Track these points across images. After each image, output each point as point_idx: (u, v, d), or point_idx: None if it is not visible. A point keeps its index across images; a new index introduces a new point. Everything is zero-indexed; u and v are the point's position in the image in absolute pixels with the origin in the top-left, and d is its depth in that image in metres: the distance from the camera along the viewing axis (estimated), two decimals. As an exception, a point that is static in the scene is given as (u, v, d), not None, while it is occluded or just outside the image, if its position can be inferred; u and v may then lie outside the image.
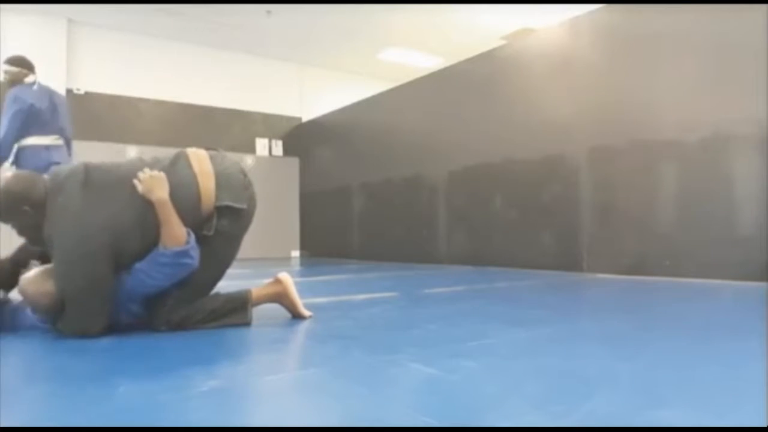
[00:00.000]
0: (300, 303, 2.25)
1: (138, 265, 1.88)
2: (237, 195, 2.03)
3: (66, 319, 1.83)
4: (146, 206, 1.87)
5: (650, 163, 4.08)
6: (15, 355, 1.67)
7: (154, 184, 1.87)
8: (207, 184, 1.98)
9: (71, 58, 7.24)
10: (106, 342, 1.84)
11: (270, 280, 2.26)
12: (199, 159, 2.03)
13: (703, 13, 3.80)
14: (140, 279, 1.88)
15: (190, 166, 2.00)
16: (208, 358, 1.64)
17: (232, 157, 2.18)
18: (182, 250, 1.87)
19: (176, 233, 1.86)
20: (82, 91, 7.32)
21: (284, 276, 2.23)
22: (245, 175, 2.14)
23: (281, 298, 2.23)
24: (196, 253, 1.92)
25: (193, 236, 1.92)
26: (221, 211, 2.00)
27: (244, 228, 2.12)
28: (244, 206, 2.05)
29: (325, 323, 2.18)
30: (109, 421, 1.03)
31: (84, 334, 1.83)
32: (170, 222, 1.86)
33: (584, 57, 4.60)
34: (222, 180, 2.01)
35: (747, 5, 3.56)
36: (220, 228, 2.00)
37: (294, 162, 8.81)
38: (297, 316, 2.24)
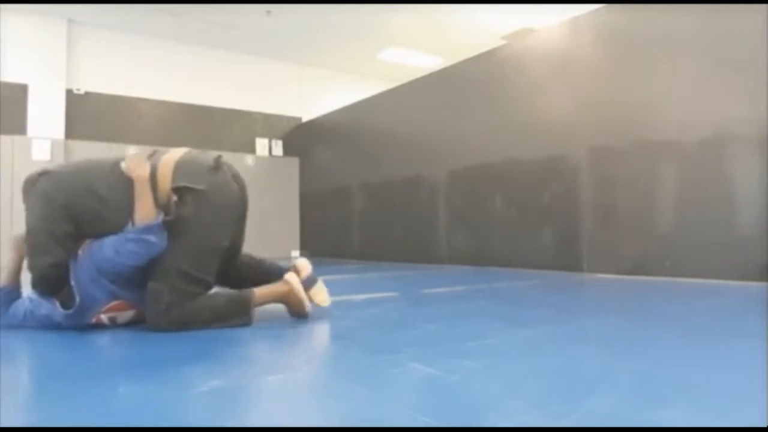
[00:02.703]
0: (306, 301, 2.19)
1: (108, 239, 1.95)
2: (194, 177, 2.03)
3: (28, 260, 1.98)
4: (109, 177, 2.02)
5: (650, 163, 4.08)
6: (14, 355, 1.67)
7: (134, 163, 2.03)
8: (164, 171, 2.03)
9: (71, 58, 7.24)
10: (105, 342, 1.84)
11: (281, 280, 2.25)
12: (172, 152, 2.11)
13: (703, 13, 3.80)
14: (108, 254, 1.94)
15: (160, 158, 2.09)
16: (208, 358, 1.64)
17: (215, 154, 2.18)
18: (147, 225, 1.94)
19: (147, 209, 1.97)
20: (82, 91, 7.32)
21: (291, 277, 2.20)
22: (217, 163, 2.10)
23: (288, 297, 2.19)
24: (161, 233, 1.96)
25: (162, 217, 1.97)
26: (180, 194, 2.01)
27: (213, 213, 2.05)
28: (202, 187, 2.01)
29: (325, 323, 2.18)
30: (108, 421, 1.02)
31: (36, 272, 1.93)
32: (143, 198, 1.98)
33: (584, 57, 4.60)
34: (181, 166, 2.05)
35: (747, 5, 3.56)
36: (184, 213, 1.99)
37: (294, 162, 8.81)
38: (298, 315, 2.20)
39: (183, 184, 2.00)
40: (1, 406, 1.12)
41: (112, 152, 7.01)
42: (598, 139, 4.44)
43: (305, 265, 2.25)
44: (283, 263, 2.38)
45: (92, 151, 7.07)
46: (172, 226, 1.98)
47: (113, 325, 2.04)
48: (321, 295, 2.26)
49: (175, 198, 2.00)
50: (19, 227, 2.09)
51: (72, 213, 1.94)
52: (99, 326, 2.01)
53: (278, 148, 8.80)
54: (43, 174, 2.01)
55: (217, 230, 2.09)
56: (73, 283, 1.94)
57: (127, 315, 2.06)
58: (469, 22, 7.26)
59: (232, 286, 2.25)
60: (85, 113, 7.30)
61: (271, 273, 2.31)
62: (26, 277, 2.07)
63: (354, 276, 4.77)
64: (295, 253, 8.58)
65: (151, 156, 2.10)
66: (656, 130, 4.03)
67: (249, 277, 2.30)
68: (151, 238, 1.93)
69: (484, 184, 5.47)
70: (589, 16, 4.60)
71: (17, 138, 6.70)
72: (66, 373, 1.44)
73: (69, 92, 7.22)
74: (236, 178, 2.20)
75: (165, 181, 2.01)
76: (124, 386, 1.26)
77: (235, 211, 2.17)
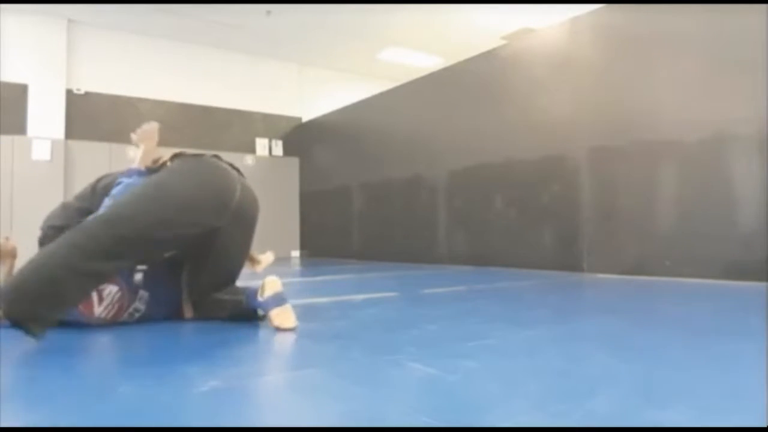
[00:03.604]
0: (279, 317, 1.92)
1: None
2: (194, 153, 2.16)
3: None
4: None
5: (650, 163, 4.08)
6: (13, 355, 1.67)
7: (143, 135, 2.35)
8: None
9: (71, 58, 7.24)
10: (104, 342, 1.84)
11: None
12: None
13: (703, 13, 3.80)
14: (99, 210, 2.06)
15: None
16: (208, 358, 1.64)
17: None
18: (131, 168, 2.23)
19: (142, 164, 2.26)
20: (82, 91, 7.32)
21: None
22: (224, 161, 2.20)
23: None
24: (137, 179, 2.12)
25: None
26: (173, 159, 2.14)
27: (185, 176, 2.01)
28: (193, 155, 2.13)
29: (325, 323, 2.18)
30: (108, 421, 1.02)
31: (40, 234, 2.22)
32: (143, 159, 2.28)
33: (584, 57, 4.60)
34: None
35: (747, 5, 3.56)
36: (166, 167, 2.08)
37: (294, 162, 8.81)
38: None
39: (180, 151, 2.14)
40: (0, 406, 1.12)
41: (112, 152, 7.08)
42: (598, 139, 4.44)
43: (272, 285, 1.97)
44: (256, 284, 2.08)
45: (92, 151, 7.09)
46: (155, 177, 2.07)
47: (99, 302, 2.01)
48: (282, 318, 1.95)
49: (167, 160, 2.13)
50: (19, 226, 2.12)
51: (104, 191, 2.18)
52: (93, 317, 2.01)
53: (278, 148, 8.80)
54: None
55: (176, 195, 1.92)
56: None
57: (111, 290, 2.02)
58: (469, 22, 7.26)
59: (203, 314, 2.17)
60: (85, 113, 7.30)
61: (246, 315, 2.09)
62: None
63: (354, 276, 4.77)
64: (295, 253, 8.58)
65: None
66: (656, 130, 4.03)
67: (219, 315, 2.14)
68: (126, 179, 2.11)
69: (484, 184, 5.47)
70: (589, 16, 4.60)
71: (17, 138, 6.70)
72: (65, 373, 1.44)
73: (69, 92, 7.22)
74: (245, 188, 2.14)
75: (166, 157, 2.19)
76: (124, 386, 1.26)
77: (214, 197, 2.00)
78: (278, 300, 1.96)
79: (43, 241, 2.15)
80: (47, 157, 6.82)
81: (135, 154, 2.38)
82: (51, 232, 2.11)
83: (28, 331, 1.61)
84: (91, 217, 1.85)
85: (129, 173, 2.20)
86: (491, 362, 1.47)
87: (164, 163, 2.11)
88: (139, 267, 2.14)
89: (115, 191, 2.11)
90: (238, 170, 2.22)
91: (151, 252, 1.98)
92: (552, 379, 1.32)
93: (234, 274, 2.22)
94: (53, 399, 1.20)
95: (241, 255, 2.23)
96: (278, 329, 1.93)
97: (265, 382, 1.36)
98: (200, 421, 1.04)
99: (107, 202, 2.08)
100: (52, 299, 1.64)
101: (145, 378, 1.35)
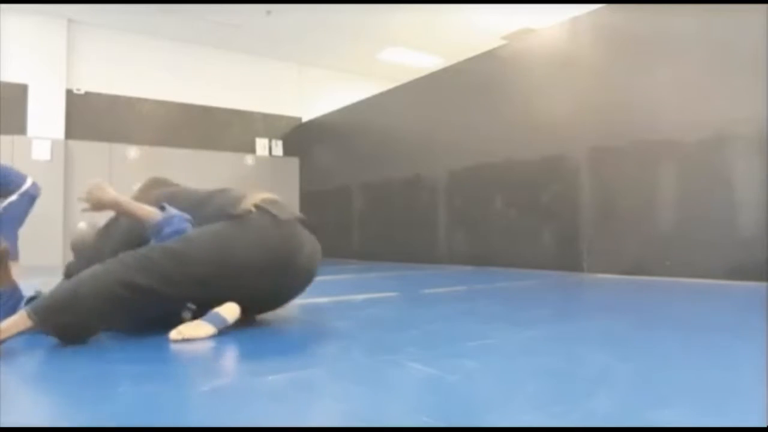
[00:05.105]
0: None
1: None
2: (280, 209, 2.04)
3: None
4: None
5: (650, 163, 4.08)
6: (15, 355, 1.67)
7: (96, 194, 1.91)
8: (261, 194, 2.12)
9: (71, 58, 7.24)
10: (105, 342, 1.84)
11: None
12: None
13: (703, 13, 3.80)
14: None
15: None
16: (207, 357, 1.64)
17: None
18: (157, 222, 1.88)
19: (142, 215, 1.91)
20: (82, 91, 7.32)
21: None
22: (297, 218, 2.11)
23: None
24: (181, 222, 1.92)
25: (169, 210, 1.92)
26: (258, 208, 2.02)
27: (269, 236, 1.97)
28: (277, 214, 2.00)
29: (325, 323, 2.18)
30: (108, 421, 1.02)
31: None
32: (132, 212, 1.93)
33: (584, 57, 4.60)
34: (276, 199, 2.12)
35: (747, 5, 3.56)
36: (251, 218, 1.98)
37: (294, 162, 8.81)
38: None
39: (266, 207, 1.99)
40: (1, 406, 1.12)
41: (112, 152, 7.09)
42: (598, 139, 4.44)
43: (227, 309, 1.90)
44: None
45: (92, 151, 7.10)
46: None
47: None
48: (190, 327, 1.84)
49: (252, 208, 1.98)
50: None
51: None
52: None
53: (278, 148, 8.80)
54: None
55: (241, 255, 1.89)
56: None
57: None
58: (469, 22, 7.26)
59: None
60: (85, 113, 7.31)
61: None
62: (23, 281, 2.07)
63: (354, 276, 4.77)
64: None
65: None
66: (656, 130, 4.03)
67: None
68: (183, 225, 1.91)
69: (484, 184, 5.47)
70: (589, 16, 4.60)
71: (17, 138, 6.70)
72: (66, 373, 1.44)
73: (69, 92, 7.22)
74: (312, 252, 2.13)
75: (254, 199, 2.02)
76: (124, 386, 1.26)
77: (277, 266, 1.97)
78: (212, 319, 1.87)
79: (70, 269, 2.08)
80: (47, 157, 6.82)
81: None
82: (83, 263, 1.95)
83: (71, 342, 1.68)
84: (153, 246, 1.82)
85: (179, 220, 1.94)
86: (491, 362, 1.47)
87: (248, 211, 1.97)
88: (190, 305, 2.08)
89: (167, 231, 1.88)
90: (311, 229, 2.18)
91: (206, 294, 1.93)
92: (552, 379, 1.32)
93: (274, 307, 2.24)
94: (53, 399, 1.20)
95: (286, 300, 2.24)
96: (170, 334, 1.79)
97: (265, 382, 1.36)
98: (200, 421, 1.04)
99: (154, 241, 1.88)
100: (106, 316, 1.72)
101: (144, 378, 1.35)
